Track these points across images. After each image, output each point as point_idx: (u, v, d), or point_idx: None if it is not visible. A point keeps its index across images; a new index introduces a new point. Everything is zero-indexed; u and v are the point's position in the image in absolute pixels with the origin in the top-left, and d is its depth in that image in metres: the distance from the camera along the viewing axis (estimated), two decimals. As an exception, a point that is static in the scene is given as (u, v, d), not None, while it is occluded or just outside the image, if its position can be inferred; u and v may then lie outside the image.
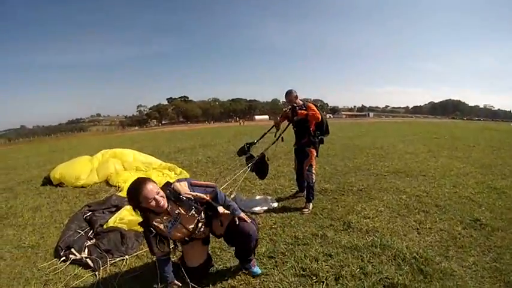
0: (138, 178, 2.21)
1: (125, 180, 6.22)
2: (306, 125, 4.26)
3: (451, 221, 3.82)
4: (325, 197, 4.85)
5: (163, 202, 2.12)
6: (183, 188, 2.25)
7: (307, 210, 4.21)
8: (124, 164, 7.32)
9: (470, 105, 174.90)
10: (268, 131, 4.68)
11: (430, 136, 16.79)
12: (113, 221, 3.86)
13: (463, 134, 19.89)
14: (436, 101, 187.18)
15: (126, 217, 3.92)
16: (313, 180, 4.37)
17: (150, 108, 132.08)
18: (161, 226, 2.21)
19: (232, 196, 4.68)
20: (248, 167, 4.36)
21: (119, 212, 4.17)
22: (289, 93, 4.37)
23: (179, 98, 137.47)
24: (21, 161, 15.54)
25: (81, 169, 6.91)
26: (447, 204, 4.45)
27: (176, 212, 2.22)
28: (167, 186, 2.25)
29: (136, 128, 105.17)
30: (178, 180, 2.34)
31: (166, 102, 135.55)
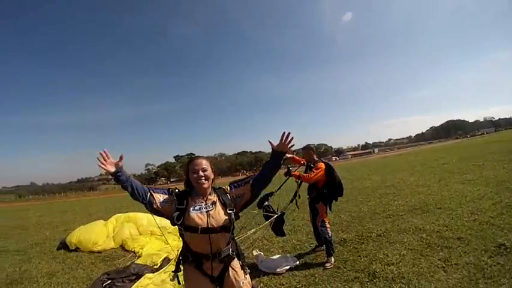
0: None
1: (142, 246, 6.18)
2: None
3: (475, 252, 3.78)
4: (345, 247, 4.80)
5: (205, 182, 2.06)
6: (227, 188, 2.23)
7: (329, 264, 4.15)
8: (139, 228, 7.30)
9: (470, 121, 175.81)
10: (284, 182, 4.60)
11: (438, 163, 16.75)
12: (134, 291, 3.76)
13: (471, 153, 19.83)
14: (437, 124, 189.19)
15: (148, 286, 3.89)
16: (329, 234, 4.38)
17: (158, 167, 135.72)
18: (192, 203, 2.06)
19: (254, 254, 4.63)
20: (270, 223, 4.31)
21: (139, 280, 4.14)
22: (306, 149, 4.57)
23: (186, 155, 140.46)
24: (33, 220, 15.41)
25: (98, 234, 6.89)
26: (469, 235, 4.41)
27: (213, 201, 2.11)
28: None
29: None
30: None
31: (173, 160, 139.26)
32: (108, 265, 5.53)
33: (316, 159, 4.53)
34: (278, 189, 4.74)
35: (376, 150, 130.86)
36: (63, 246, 7.02)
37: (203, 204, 2.06)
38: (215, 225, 2.01)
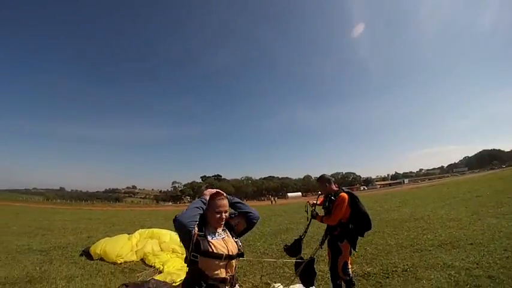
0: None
1: (163, 263, 6.28)
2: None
3: (507, 291, 3.66)
4: (369, 281, 4.70)
5: (223, 222, 2.26)
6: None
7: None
8: (161, 244, 7.46)
9: (506, 151, 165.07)
10: (308, 226, 4.33)
11: (471, 196, 15.92)
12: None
13: (506, 185, 18.69)
14: (471, 154, 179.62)
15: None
16: (351, 275, 3.90)
17: (184, 185, 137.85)
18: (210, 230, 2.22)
19: (276, 286, 4.64)
20: (297, 272, 4.02)
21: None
22: (320, 181, 4.10)
23: (212, 176, 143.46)
24: (58, 223, 15.89)
25: (122, 247, 7.07)
26: (500, 273, 4.25)
27: (223, 228, 2.29)
28: None
29: (170, 203, 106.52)
30: None
31: (200, 180, 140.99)
32: (127, 276, 5.63)
33: (336, 189, 3.99)
34: (305, 233, 4.36)
35: (406, 180, 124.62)
36: (86, 254, 7.19)
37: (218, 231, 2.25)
38: (233, 252, 2.19)
